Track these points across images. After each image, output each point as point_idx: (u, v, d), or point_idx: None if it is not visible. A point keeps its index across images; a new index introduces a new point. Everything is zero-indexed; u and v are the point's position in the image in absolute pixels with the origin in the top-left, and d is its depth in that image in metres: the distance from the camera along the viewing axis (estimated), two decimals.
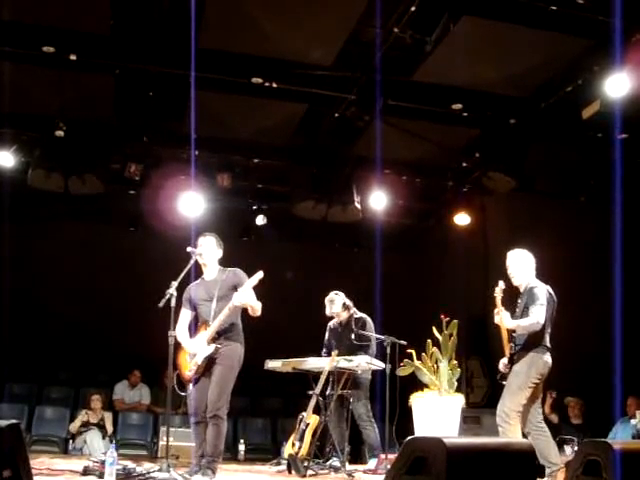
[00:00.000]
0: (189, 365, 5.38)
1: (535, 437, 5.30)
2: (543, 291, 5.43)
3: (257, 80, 7.29)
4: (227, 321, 5.33)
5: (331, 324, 7.34)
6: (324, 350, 7.25)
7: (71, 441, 9.03)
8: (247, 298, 5.29)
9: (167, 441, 5.24)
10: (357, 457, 7.85)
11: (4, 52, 6.78)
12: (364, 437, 7.13)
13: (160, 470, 5.07)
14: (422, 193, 10.02)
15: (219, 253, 5.57)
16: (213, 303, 5.38)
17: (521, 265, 5.60)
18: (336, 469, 6.52)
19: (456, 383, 6.78)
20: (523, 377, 5.33)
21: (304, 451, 6.22)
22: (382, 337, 6.89)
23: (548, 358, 5.39)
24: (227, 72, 7.24)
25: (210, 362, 5.33)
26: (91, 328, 10.24)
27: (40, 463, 5.98)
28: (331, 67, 7.22)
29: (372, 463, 6.92)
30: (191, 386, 5.38)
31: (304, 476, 6.01)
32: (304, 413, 6.50)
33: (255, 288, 5.36)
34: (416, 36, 6.65)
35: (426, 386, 6.76)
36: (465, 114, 7.92)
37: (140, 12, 6.56)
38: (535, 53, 6.80)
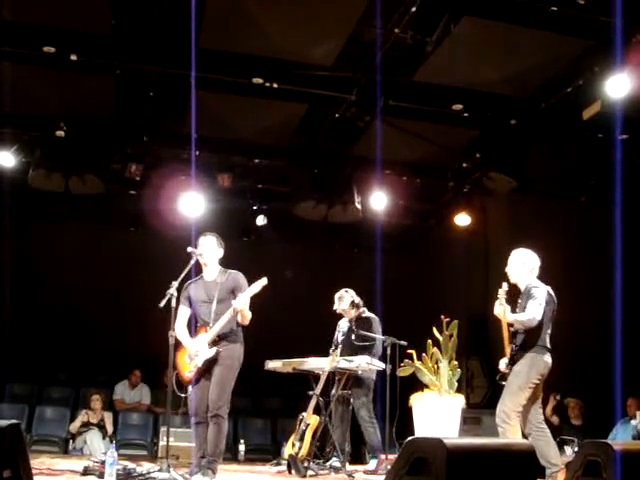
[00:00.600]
0: (188, 366, 5.37)
1: (536, 438, 5.30)
2: (542, 291, 5.44)
3: (258, 80, 7.29)
4: (227, 325, 5.32)
5: (341, 322, 7.35)
6: (332, 348, 7.24)
7: (71, 441, 9.04)
8: (245, 305, 5.28)
9: (167, 441, 5.25)
10: (357, 458, 7.85)
11: (5, 52, 6.78)
12: (365, 438, 7.12)
13: (160, 470, 5.07)
14: (422, 193, 10.01)
15: (220, 253, 5.56)
16: (213, 305, 5.37)
17: (519, 264, 5.60)
18: (336, 469, 6.52)
19: (456, 384, 6.79)
20: (523, 377, 5.33)
21: (304, 451, 6.22)
22: (382, 337, 6.90)
23: (548, 359, 5.39)
24: (228, 72, 7.24)
25: (210, 363, 5.33)
26: (91, 328, 10.25)
27: (40, 463, 5.99)
28: (332, 67, 7.22)
29: (372, 464, 6.92)
30: (190, 387, 5.38)
31: (304, 476, 6.01)
32: (304, 413, 6.50)
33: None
34: (417, 36, 6.64)
35: (426, 386, 6.76)
36: (466, 114, 7.92)
37: (140, 12, 6.56)
38: (536, 54, 6.80)
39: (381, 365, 6.73)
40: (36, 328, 10.15)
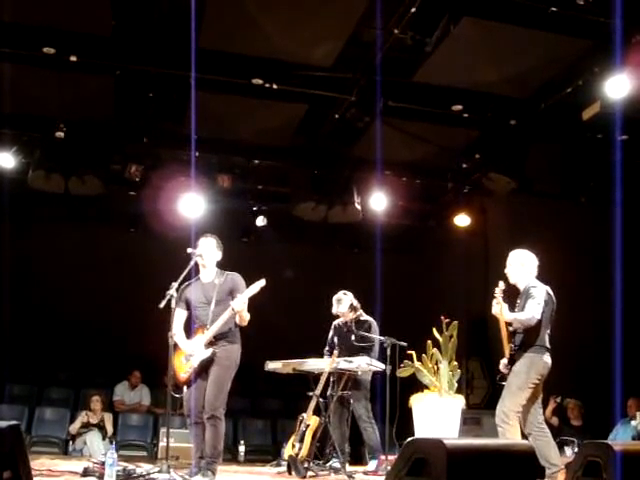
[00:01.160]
0: (184, 367, 5.37)
1: (536, 438, 5.29)
2: (541, 291, 5.44)
3: (257, 81, 7.29)
4: (225, 326, 5.32)
5: (336, 323, 7.35)
6: (327, 349, 7.26)
7: (71, 442, 9.03)
8: (243, 306, 5.28)
9: (167, 442, 5.23)
10: (357, 458, 7.85)
11: (4, 53, 6.78)
12: (365, 438, 7.13)
13: (160, 471, 5.07)
14: (422, 194, 10.02)
15: (218, 255, 5.56)
16: (211, 306, 5.36)
17: (518, 265, 5.60)
18: (336, 470, 6.51)
19: (456, 384, 6.78)
20: (523, 377, 5.33)
21: (304, 452, 6.22)
22: (382, 338, 6.89)
23: (548, 359, 5.39)
24: (227, 73, 7.24)
25: (207, 363, 5.32)
26: (91, 329, 10.24)
27: (40, 464, 5.99)
28: (331, 68, 7.23)
29: (372, 464, 6.92)
30: (185, 388, 5.37)
31: (304, 477, 6.01)
32: (304, 414, 6.50)
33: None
34: (416, 37, 6.64)
35: (426, 387, 6.76)
36: (465, 115, 7.92)
37: (140, 13, 6.56)
38: (535, 54, 6.80)
39: (381, 366, 6.73)
40: (36, 329, 10.15)
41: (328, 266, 11.04)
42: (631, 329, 6.99)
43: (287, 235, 10.79)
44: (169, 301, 5.24)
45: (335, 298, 7.22)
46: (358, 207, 9.13)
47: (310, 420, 6.42)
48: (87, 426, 9.01)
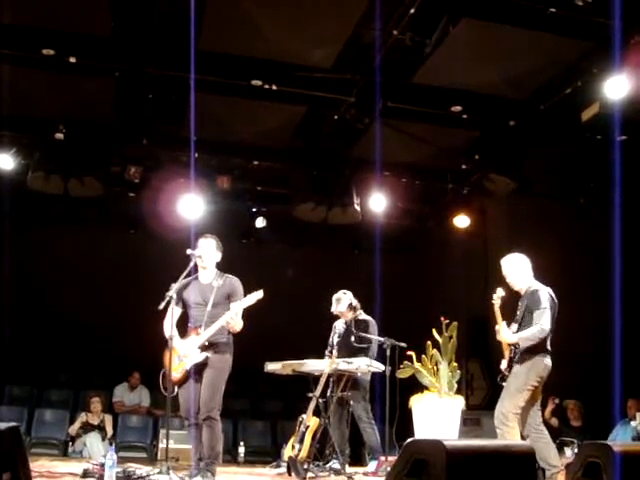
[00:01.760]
0: (177, 367, 5.34)
1: (534, 439, 5.28)
2: (545, 295, 5.40)
3: (257, 82, 7.29)
4: (219, 331, 5.31)
5: (336, 323, 7.35)
6: (328, 349, 7.25)
7: (71, 444, 9.02)
8: (237, 317, 5.27)
9: (167, 444, 5.24)
10: (357, 459, 7.85)
11: (4, 55, 6.77)
12: (365, 439, 7.13)
13: (160, 473, 5.07)
14: (422, 195, 10.02)
15: (218, 256, 5.55)
16: (207, 308, 5.34)
17: (518, 270, 5.57)
18: (336, 471, 6.51)
19: (456, 385, 6.79)
20: (522, 379, 5.32)
21: (304, 453, 6.22)
22: (382, 339, 6.89)
23: (548, 361, 5.37)
24: (227, 74, 7.24)
25: (200, 365, 5.31)
26: (91, 330, 10.23)
27: (40, 466, 5.99)
28: (331, 69, 7.23)
29: (372, 465, 6.92)
30: (177, 388, 5.35)
31: (304, 478, 6.01)
32: (304, 415, 6.50)
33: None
34: (416, 38, 6.64)
35: (426, 388, 6.76)
36: (465, 116, 7.93)
37: (140, 14, 6.56)
38: (534, 55, 6.80)
39: (380, 367, 6.73)
40: (35, 330, 10.15)
41: (328, 267, 11.03)
42: (630, 330, 7.00)
43: (287, 236, 10.80)
44: (168, 303, 5.24)
45: (334, 297, 7.23)
46: (358, 208, 9.13)
47: (310, 421, 6.42)
48: (87, 427, 9.01)
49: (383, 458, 6.72)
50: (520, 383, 5.31)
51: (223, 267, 5.58)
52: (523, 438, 5.32)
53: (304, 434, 6.35)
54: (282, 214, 9.72)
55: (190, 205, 8.80)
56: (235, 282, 5.46)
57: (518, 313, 5.49)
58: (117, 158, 8.77)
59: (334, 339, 7.27)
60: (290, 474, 6.22)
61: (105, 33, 6.66)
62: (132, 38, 6.83)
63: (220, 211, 9.54)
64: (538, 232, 8.63)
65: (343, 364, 6.53)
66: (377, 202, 9.19)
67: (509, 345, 5.48)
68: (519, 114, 7.94)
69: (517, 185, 8.64)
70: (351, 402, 6.92)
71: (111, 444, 6.36)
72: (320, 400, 6.51)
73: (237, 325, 5.31)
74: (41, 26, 6.59)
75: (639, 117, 7.09)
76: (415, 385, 6.87)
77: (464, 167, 9.23)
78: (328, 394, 6.77)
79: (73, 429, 9.05)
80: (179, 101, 7.76)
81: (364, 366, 6.61)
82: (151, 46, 6.92)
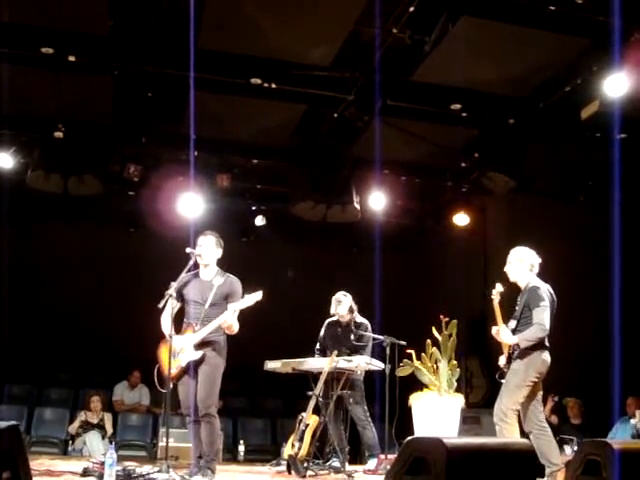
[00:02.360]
0: (172, 363, 5.30)
1: (537, 436, 5.27)
2: (545, 292, 5.39)
3: (256, 81, 7.28)
4: (215, 330, 5.30)
5: (329, 322, 7.33)
6: (317, 347, 7.24)
7: (70, 442, 9.03)
8: (233, 319, 5.27)
9: (167, 442, 5.24)
10: (357, 457, 7.85)
11: (3, 54, 6.76)
12: (363, 438, 7.11)
13: (160, 471, 5.08)
14: (421, 193, 10.02)
15: (218, 253, 5.54)
16: (205, 306, 5.34)
17: (516, 261, 5.57)
18: (336, 469, 6.52)
19: (456, 383, 6.79)
20: (521, 375, 5.31)
21: (304, 452, 6.22)
22: (381, 337, 6.89)
23: (547, 357, 5.36)
24: (226, 73, 7.23)
25: (195, 363, 5.30)
26: (90, 329, 10.23)
27: (40, 465, 5.98)
28: (330, 67, 7.22)
29: (372, 463, 6.92)
30: (171, 384, 5.34)
31: (304, 477, 6.01)
32: (304, 414, 6.49)
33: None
34: (415, 36, 6.63)
35: (426, 386, 6.76)
36: (464, 114, 7.92)
37: (139, 13, 6.55)
38: (534, 53, 6.80)
39: (379, 365, 6.73)
40: (35, 329, 10.15)
41: (327, 265, 11.04)
42: (630, 328, 7.01)
43: (286, 235, 10.79)
44: (168, 301, 5.24)
45: (335, 299, 7.20)
46: (357, 206, 9.13)
47: (309, 419, 6.41)
48: (86, 426, 9.01)
49: (382, 456, 6.73)
50: (519, 379, 5.30)
51: (222, 265, 5.57)
52: (524, 434, 5.32)
53: (304, 432, 6.35)
54: (281, 212, 9.72)
55: (190, 203, 8.80)
56: (235, 282, 5.44)
57: (517, 309, 5.49)
58: (117, 156, 8.77)
59: (325, 339, 7.24)
60: (290, 472, 6.22)
61: (104, 31, 6.66)
62: (131, 36, 6.82)
63: (220, 209, 9.53)
64: (537, 230, 8.61)
65: (343, 362, 6.53)
66: (376, 200, 9.19)
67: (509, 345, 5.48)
68: (518, 112, 7.94)
69: (516, 183, 8.63)
70: (350, 401, 6.91)
71: (111, 443, 6.34)
72: (320, 399, 6.51)
73: (233, 326, 5.30)
74: (40, 25, 6.59)
75: (639, 115, 7.09)
76: (415, 383, 6.87)
77: (463, 165, 9.22)
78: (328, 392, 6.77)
79: (73, 428, 9.05)
80: (178, 99, 7.75)
81: (364, 364, 6.61)
82: (150, 45, 6.91)
